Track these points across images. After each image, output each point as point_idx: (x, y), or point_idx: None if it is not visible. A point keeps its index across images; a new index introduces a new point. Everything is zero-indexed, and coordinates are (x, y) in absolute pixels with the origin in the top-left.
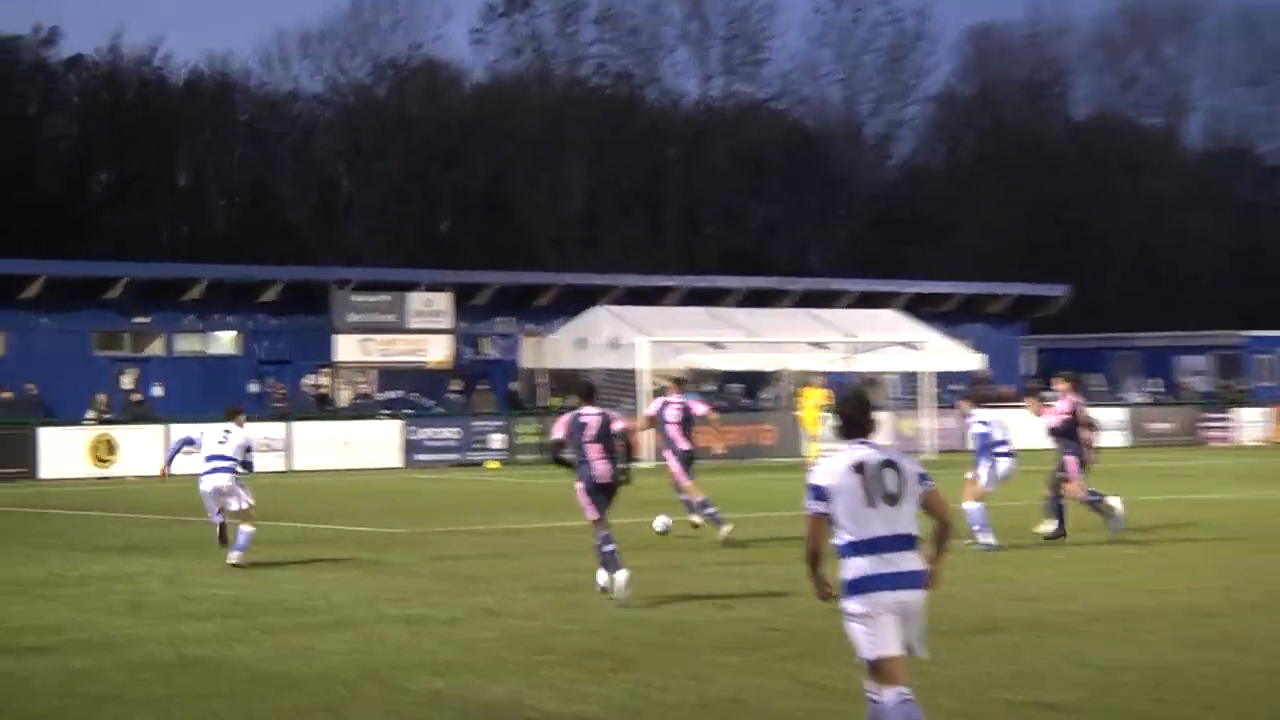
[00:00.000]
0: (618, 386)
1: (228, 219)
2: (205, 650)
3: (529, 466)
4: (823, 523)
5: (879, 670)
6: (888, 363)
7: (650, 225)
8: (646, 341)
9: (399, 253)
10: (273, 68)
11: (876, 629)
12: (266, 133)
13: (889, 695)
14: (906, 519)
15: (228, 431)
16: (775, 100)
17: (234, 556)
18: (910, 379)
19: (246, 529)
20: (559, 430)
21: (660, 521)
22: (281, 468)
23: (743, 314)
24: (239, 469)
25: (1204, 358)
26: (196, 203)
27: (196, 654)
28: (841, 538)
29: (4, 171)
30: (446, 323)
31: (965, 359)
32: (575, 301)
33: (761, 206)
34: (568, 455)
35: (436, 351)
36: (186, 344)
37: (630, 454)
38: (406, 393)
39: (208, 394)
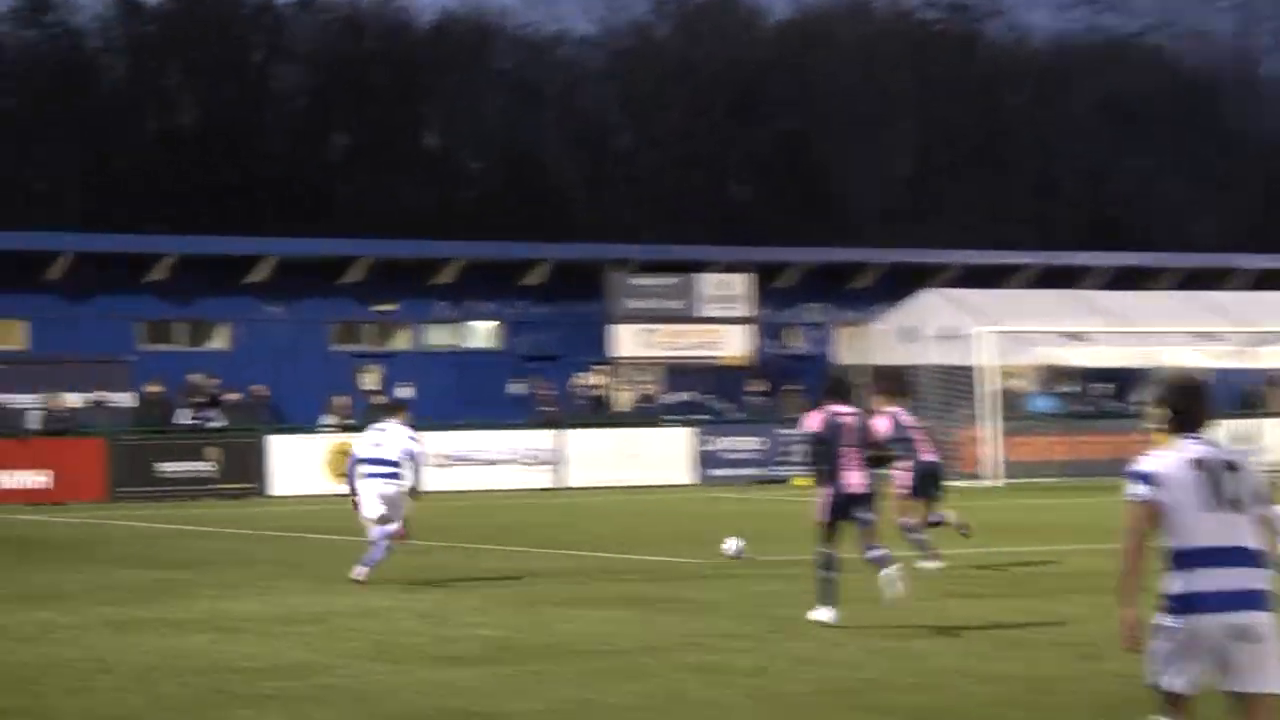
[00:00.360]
0: (952, 386)
1: (483, 186)
2: (468, 702)
3: None
4: (1150, 513)
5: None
6: None
7: (993, 191)
8: (989, 332)
9: (687, 226)
10: (536, 6)
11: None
12: (528, 83)
13: None
14: (1249, 530)
15: (383, 430)
16: (1148, 35)
17: (359, 571)
18: None
19: (383, 542)
20: (814, 424)
21: (731, 545)
22: (550, 484)
23: (1109, 298)
24: (402, 477)
25: None
26: (447, 167)
27: (458, 706)
28: (1174, 541)
29: (226, 132)
30: (745, 310)
31: None
32: (901, 284)
33: (1132, 167)
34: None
35: (733, 345)
36: (437, 337)
37: (882, 461)
38: (698, 394)
39: (462, 396)
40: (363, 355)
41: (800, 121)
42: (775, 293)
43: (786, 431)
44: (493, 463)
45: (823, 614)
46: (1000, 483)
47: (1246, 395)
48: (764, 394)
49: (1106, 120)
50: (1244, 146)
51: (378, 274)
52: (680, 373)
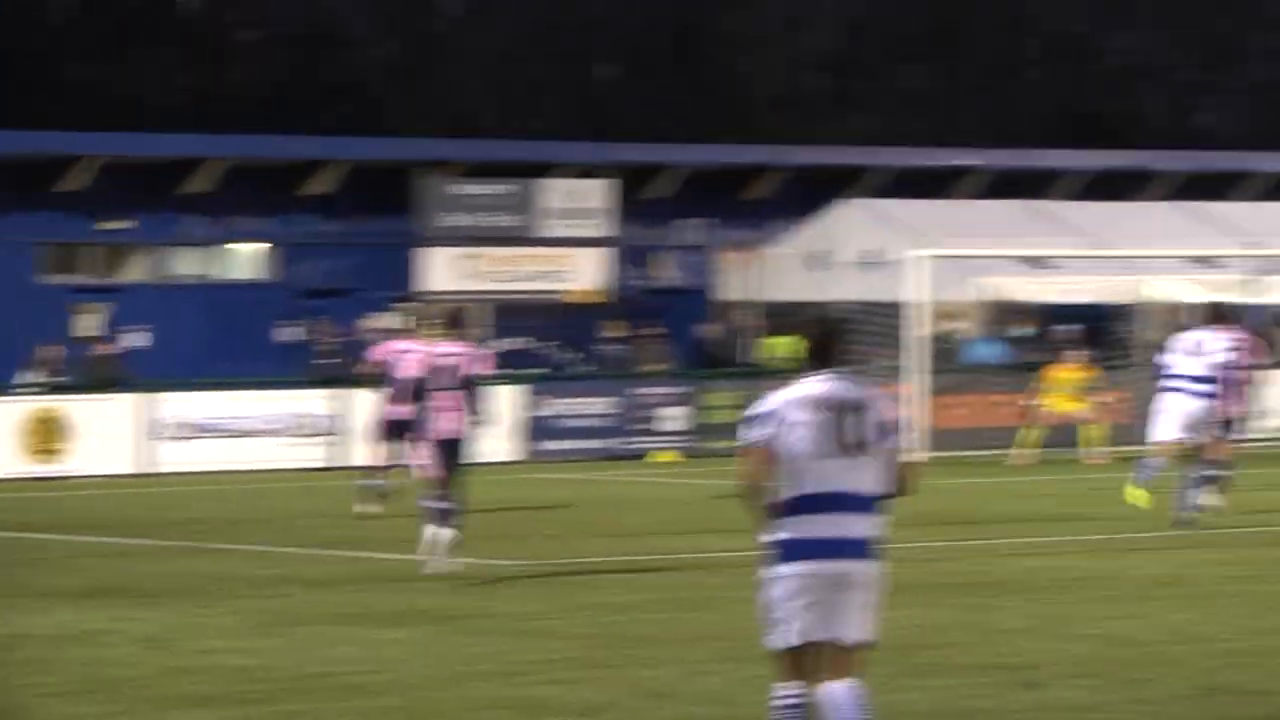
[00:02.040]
0: (875, 328)
1: (256, 65)
2: None
3: (723, 459)
4: (765, 456)
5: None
6: None
7: (935, 73)
8: (924, 256)
9: (527, 116)
10: None
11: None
12: None
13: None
14: (870, 475)
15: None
16: None
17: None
18: None
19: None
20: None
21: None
22: (325, 462)
23: (1082, 211)
24: None
25: None
26: (206, 40)
27: None
28: (785, 488)
29: None
30: (600, 228)
31: None
32: (810, 194)
33: (1117, 40)
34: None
35: (585, 275)
36: (185, 264)
37: None
38: (534, 341)
39: (214, 344)
40: (82, 290)
41: None
42: (643, 205)
43: (647, 390)
44: (252, 434)
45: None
46: (924, 455)
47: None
48: (621, 341)
49: None
50: (1265, 14)
51: (106, 179)
52: (512, 313)
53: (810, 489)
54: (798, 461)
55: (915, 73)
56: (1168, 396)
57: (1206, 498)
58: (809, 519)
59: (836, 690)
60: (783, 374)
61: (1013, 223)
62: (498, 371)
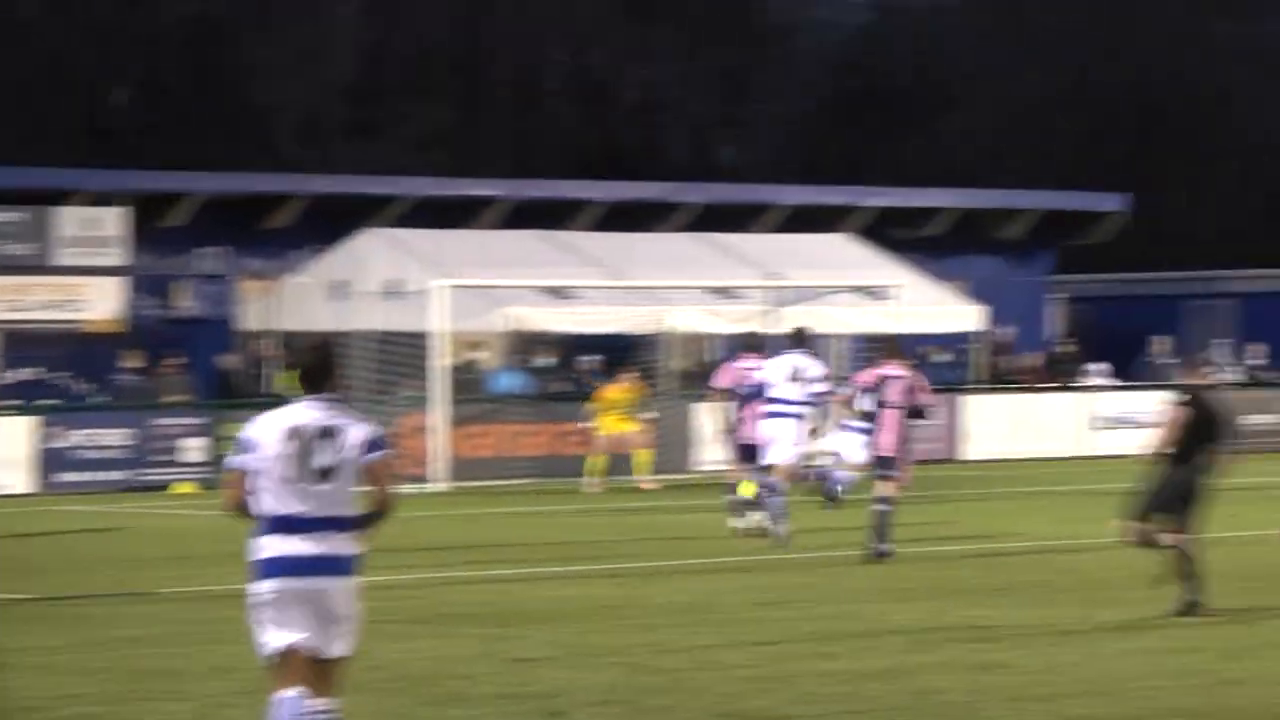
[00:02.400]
0: (399, 359)
1: None
2: None
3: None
4: (243, 480)
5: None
6: (835, 319)
7: (460, 100)
8: (446, 286)
9: (39, 142)
10: None
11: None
12: None
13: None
14: (339, 498)
15: None
16: None
17: None
18: (872, 345)
19: None
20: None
21: None
22: None
23: (603, 241)
24: None
25: None
26: None
27: None
28: (261, 509)
29: None
30: (116, 257)
31: (960, 313)
32: (331, 223)
33: (643, 71)
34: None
35: (100, 305)
36: None
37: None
38: (46, 371)
39: None
40: None
41: (200, 2)
42: (161, 234)
43: (167, 421)
44: None
45: None
46: (445, 486)
47: None
48: (141, 371)
49: (610, 11)
50: (788, 48)
51: None
52: (25, 343)
53: (282, 510)
54: (271, 485)
55: (436, 103)
56: (771, 421)
57: (756, 520)
58: (282, 539)
59: (309, 703)
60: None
61: (534, 253)
62: (8, 403)
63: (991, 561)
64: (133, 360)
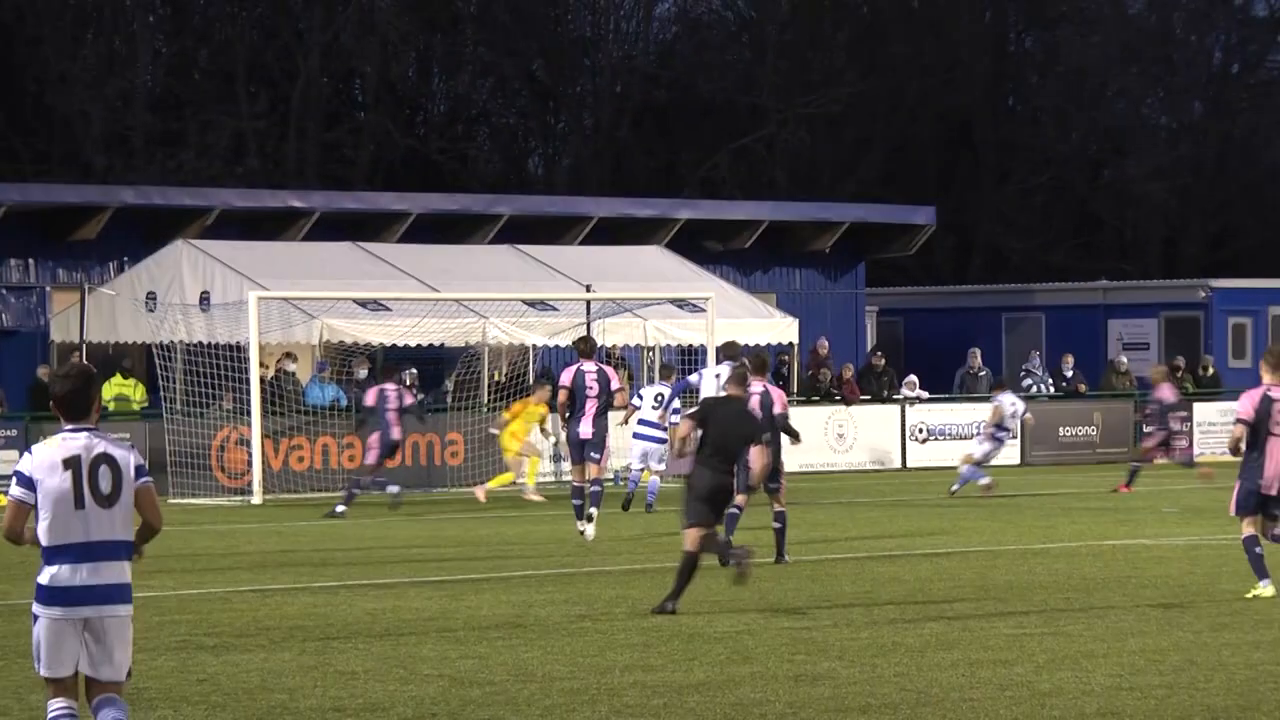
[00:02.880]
0: (215, 370)
1: None
2: None
3: None
4: (26, 512)
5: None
6: (646, 332)
7: (269, 102)
8: (261, 297)
9: None
10: None
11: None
12: None
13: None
14: (120, 523)
15: None
16: None
17: None
18: (682, 359)
19: None
20: None
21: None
22: None
23: (418, 253)
24: None
25: (1151, 322)
26: None
27: None
28: (43, 538)
29: None
30: None
31: (773, 326)
32: (143, 234)
33: (449, 84)
34: None
35: None
36: None
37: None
38: None
39: None
40: None
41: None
42: None
43: None
44: None
45: None
46: (260, 499)
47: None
48: None
49: (419, 21)
50: (597, 56)
51: None
52: None
53: (61, 539)
54: (50, 515)
55: (245, 113)
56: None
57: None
58: (62, 567)
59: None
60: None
61: (348, 265)
62: None
63: (814, 572)
64: None
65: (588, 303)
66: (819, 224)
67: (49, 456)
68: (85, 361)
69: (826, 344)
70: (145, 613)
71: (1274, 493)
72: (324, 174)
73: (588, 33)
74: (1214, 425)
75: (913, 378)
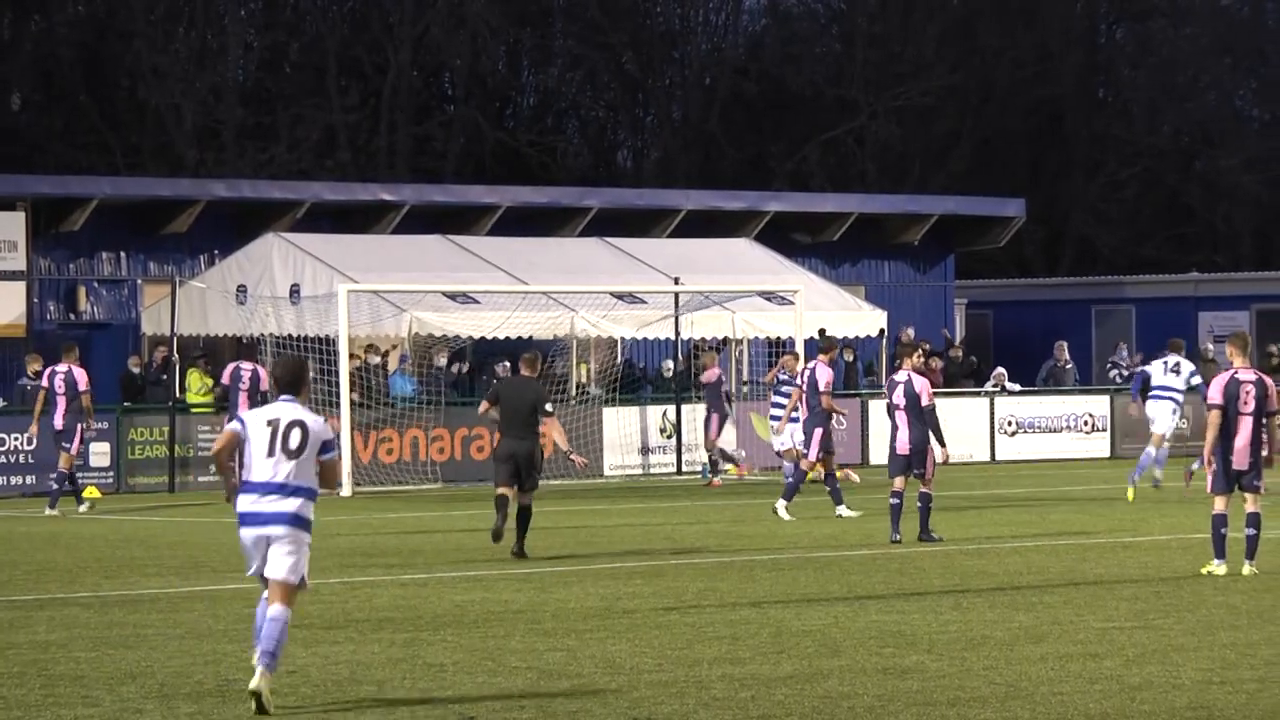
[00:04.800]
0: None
1: None
2: None
3: (148, 495)
4: (235, 440)
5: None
6: (734, 324)
7: (359, 96)
8: (350, 290)
9: None
10: None
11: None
12: None
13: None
14: (300, 471)
15: None
16: None
17: None
18: (769, 349)
19: None
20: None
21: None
22: None
23: (506, 245)
24: None
25: (1242, 314)
26: None
27: None
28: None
29: None
30: (15, 261)
31: (861, 318)
32: (233, 227)
33: (539, 77)
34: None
35: (0, 310)
36: None
37: None
38: None
39: None
40: None
41: (93, 3)
42: (61, 239)
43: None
44: None
45: None
46: (349, 492)
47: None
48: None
49: (502, 15)
50: (683, 48)
51: None
52: None
53: (254, 476)
54: (248, 457)
55: (336, 107)
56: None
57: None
58: (250, 497)
59: (269, 609)
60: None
61: (436, 258)
62: None
63: (903, 565)
64: (35, 365)
65: (676, 295)
66: (908, 216)
67: (261, 412)
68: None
69: (911, 333)
70: (234, 605)
71: (1244, 467)
72: (414, 167)
73: (676, 25)
74: None
75: (1001, 370)
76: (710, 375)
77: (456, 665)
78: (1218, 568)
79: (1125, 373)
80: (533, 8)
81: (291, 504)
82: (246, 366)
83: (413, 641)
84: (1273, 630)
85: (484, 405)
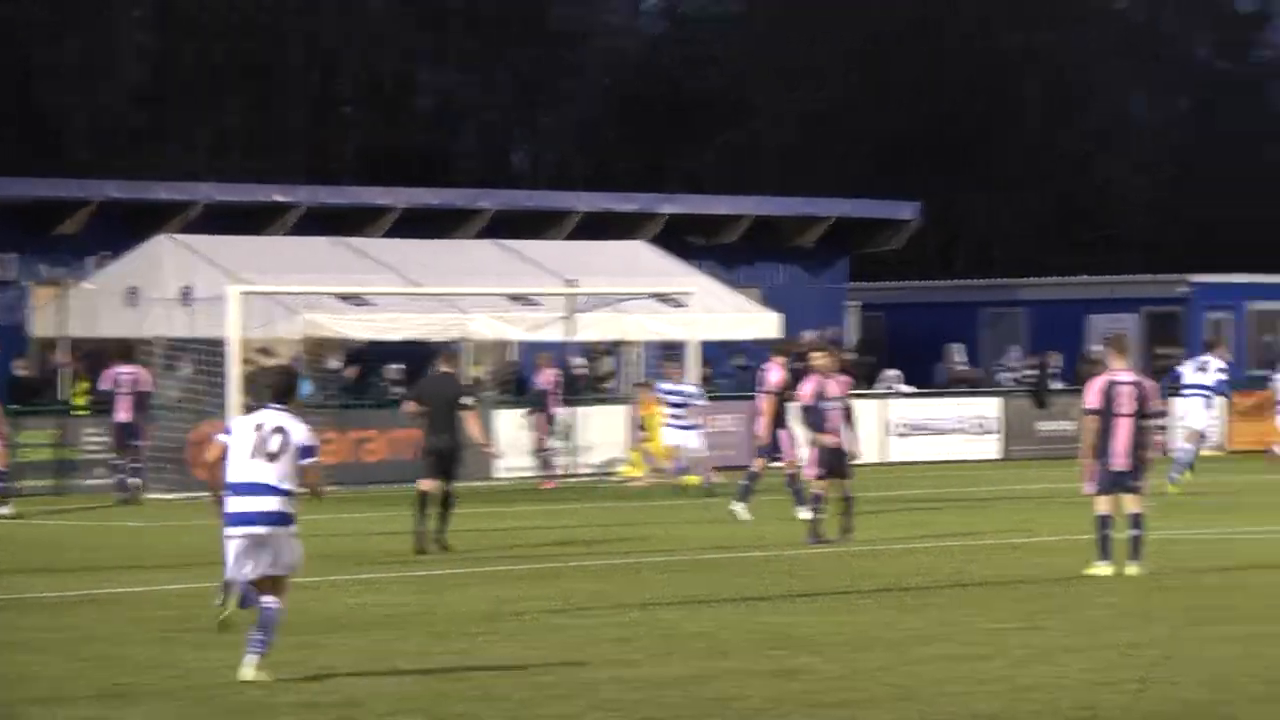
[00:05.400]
0: (197, 365)
1: None
2: None
3: (43, 499)
4: (223, 450)
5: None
6: (630, 326)
7: (253, 105)
8: (242, 292)
9: None
10: None
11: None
12: None
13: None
14: (279, 473)
15: None
16: None
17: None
18: (667, 353)
19: None
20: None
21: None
22: None
23: (401, 247)
24: None
25: (1131, 317)
26: None
27: None
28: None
29: None
30: None
31: (755, 321)
32: (126, 229)
33: (436, 77)
34: None
35: None
36: None
37: None
38: None
39: None
40: None
41: None
42: None
43: None
44: None
45: None
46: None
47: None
48: None
49: (401, 18)
50: (581, 54)
51: None
52: None
53: (237, 478)
54: (233, 460)
55: (231, 108)
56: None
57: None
58: (234, 499)
59: (263, 598)
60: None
61: (330, 259)
62: None
63: (793, 566)
64: None
65: (571, 297)
66: (804, 219)
67: (247, 420)
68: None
69: (808, 338)
70: (121, 609)
71: (1125, 468)
72: (309, 168)
73: (574, 28)
74: None
75: (895, 371)
76: (545, 378)
77: (345, 669)
78: (1102, 569)
79: (1016, 375)
80: (429, 10)
81: (271, 503)
82: (126, 371)
83: (304, 645)
84: (1157, 630)
85: (409, 404)
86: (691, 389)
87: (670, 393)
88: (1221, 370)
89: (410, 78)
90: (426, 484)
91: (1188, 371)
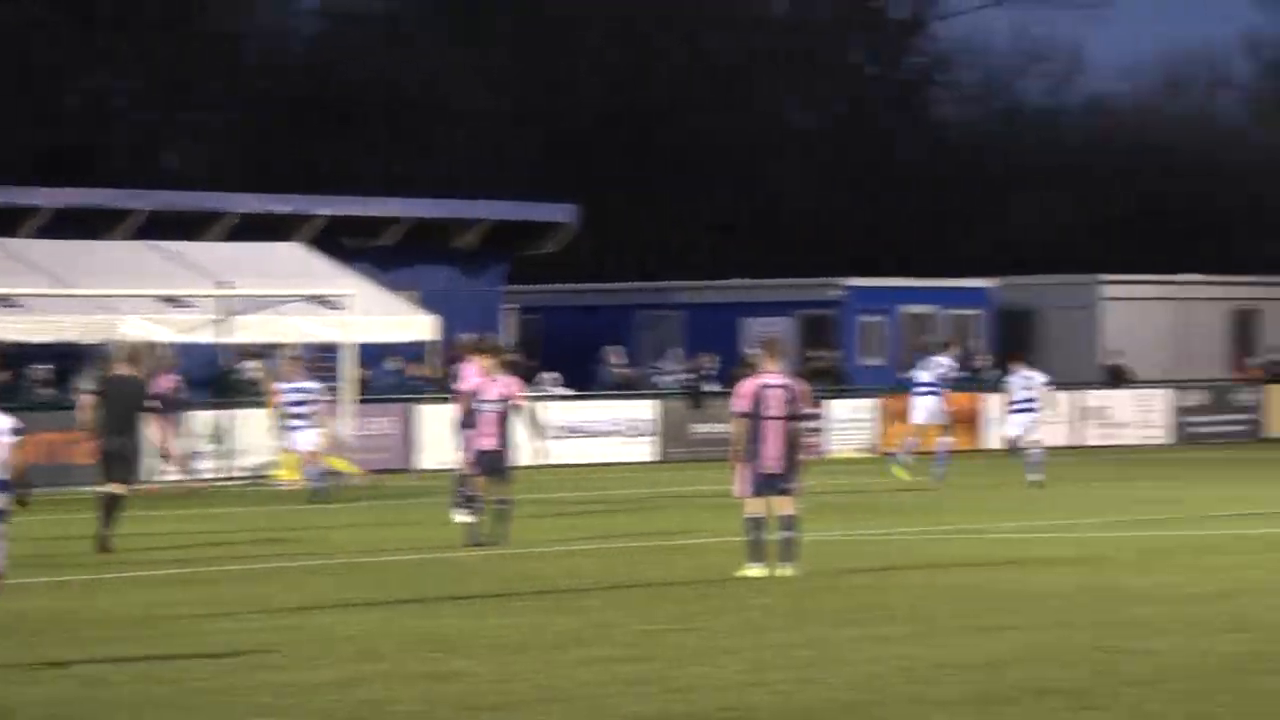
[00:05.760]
0: None
1: None
2: None
3: None
4: None
5: None
6: (286, 329)
7: None
8: None
9: None
10: None
11: None
12: None
13: None
14: None
15: None
16: None
17: None
18: (325, 356)
19: None
20: None
21: None
22: None
23: (48, 248)
24: None
25: (786, 320)
26: None
27: None
28: None
29: None
30: None
31: (411, 324)
32: None
33: (82, 79)
34: None
35: None
36: None
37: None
38: None
39: None
40: None
41: None
42: None
43: None
44: None
45: None
46: None
47: (225, 379)
48: None
49: (54, 12)
50: (236, 50)
51: None
52: None
53: None
54: None
55: None
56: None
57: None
58: None
59: None
60: None
61: None
62: None
63: (447, 569)
64: None
65: (225, 299)
66: (462, 221)
67: None
68: None
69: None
70: None
71: (777, 470)
72: None
73: (228, 27)
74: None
75: (551, 374)
76: (165, 383)
77: None
78: (754, 570)
79: (673, 378)
80: (82, 6)
81: None
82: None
83: None
84: (811, 631)
85: (86, 403)
86: (311, 385)
87: (290, 390)
88: (942, 368)
89: (60, 75)
90: (114, 487)
91: (920, 373)
